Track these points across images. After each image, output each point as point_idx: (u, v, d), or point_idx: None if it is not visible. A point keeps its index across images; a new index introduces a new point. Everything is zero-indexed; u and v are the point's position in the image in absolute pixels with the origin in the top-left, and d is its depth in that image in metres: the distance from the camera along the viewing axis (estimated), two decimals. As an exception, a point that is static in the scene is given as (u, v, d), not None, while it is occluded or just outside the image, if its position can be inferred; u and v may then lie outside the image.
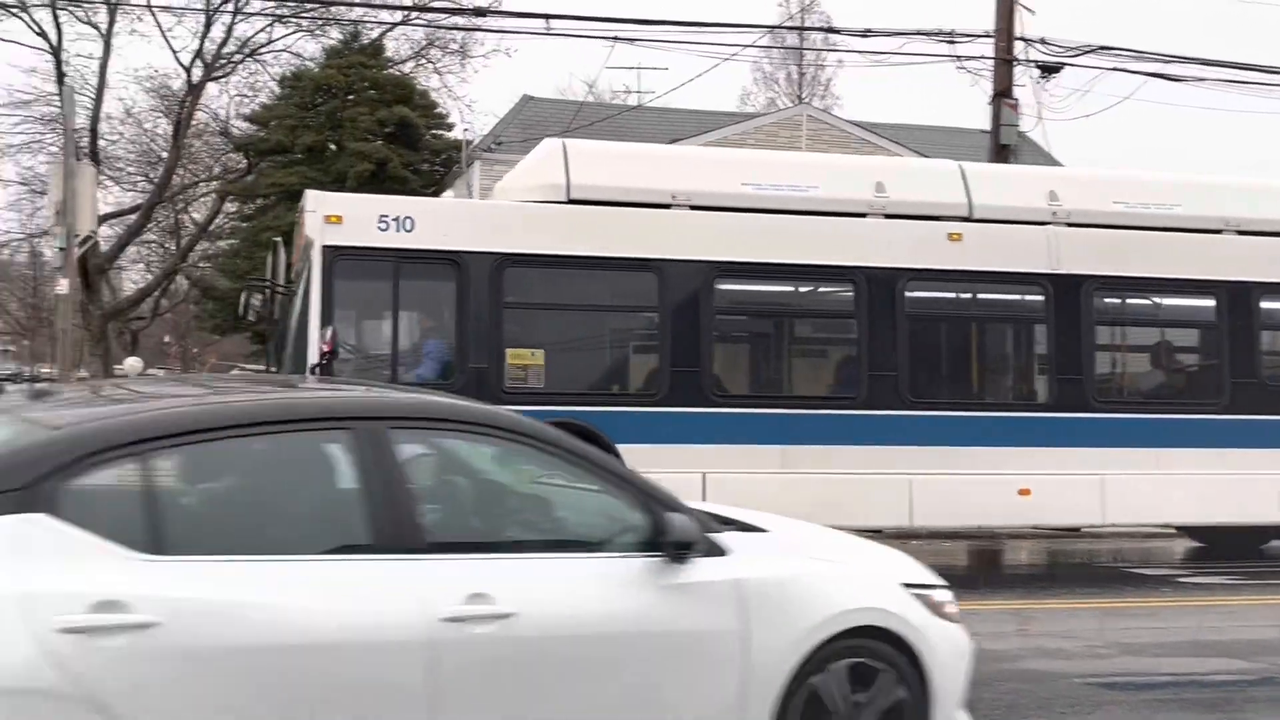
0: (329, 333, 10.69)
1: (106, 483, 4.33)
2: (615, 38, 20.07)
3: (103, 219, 34.17)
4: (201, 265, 40.31)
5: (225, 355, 49.42)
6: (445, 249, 11.16)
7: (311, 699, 4.32)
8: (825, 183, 12.31)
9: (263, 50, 34.90)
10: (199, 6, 31.98)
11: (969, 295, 12.81)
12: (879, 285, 12.05)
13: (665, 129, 28.12)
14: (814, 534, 6.27)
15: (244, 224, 34.73)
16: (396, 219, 11.07)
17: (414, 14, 34.46)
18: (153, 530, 4.28)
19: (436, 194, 27.04)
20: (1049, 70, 20.67)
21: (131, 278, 49.04)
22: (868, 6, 27.61)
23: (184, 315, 49.37)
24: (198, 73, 33.86)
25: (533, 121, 28.46)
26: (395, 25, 34.77)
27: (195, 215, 41.99)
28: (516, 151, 20.19)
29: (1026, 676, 7.33)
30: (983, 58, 20.33)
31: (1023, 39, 19.95)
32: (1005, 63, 19.84)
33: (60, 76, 32.30)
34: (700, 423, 11.55)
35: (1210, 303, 12.85)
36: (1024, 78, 23.14)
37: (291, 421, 4.79)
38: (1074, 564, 13.72)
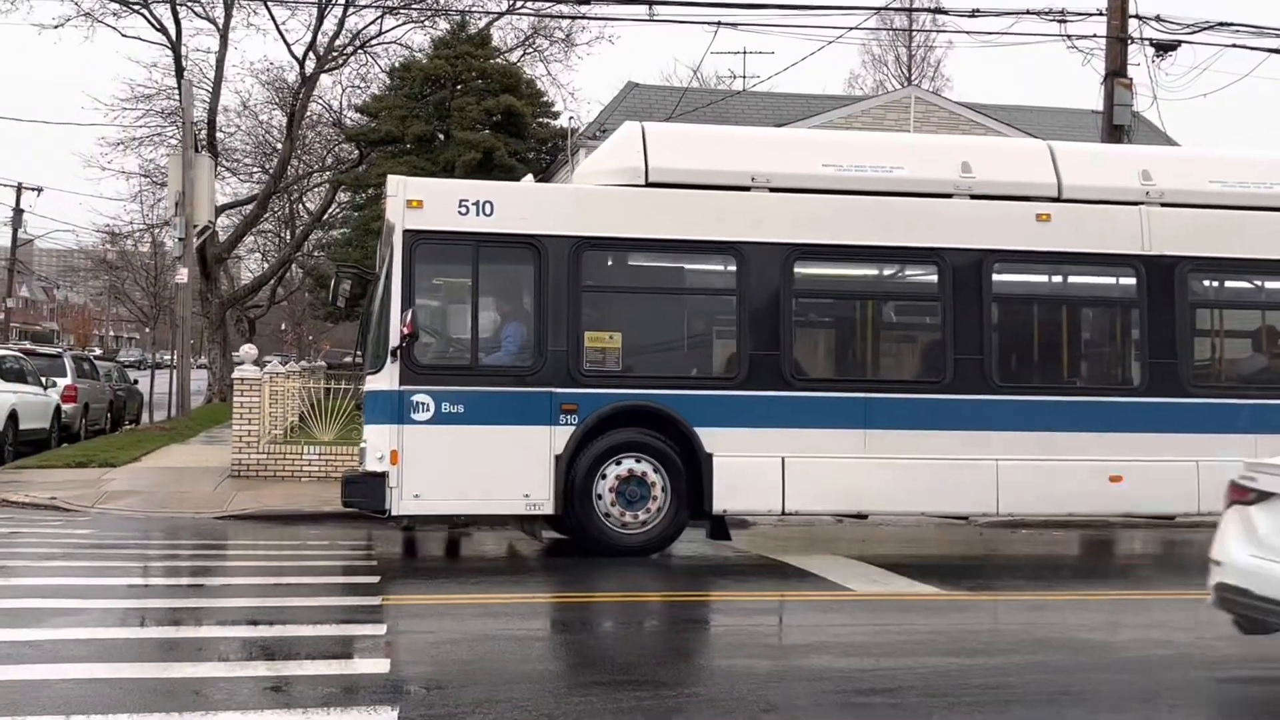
0: (409, 316, 10.87)
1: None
2: (719, 22, 20.02)
3: (220, 209, 35.32)
4: (316, 254, 41.30)
5: (339, 343, 50.52)
6: (524, 232, 11.26)
7: None
8: (909, 163, 12.12)
9: (373, 42, 35.75)
10: (312, 0, 32.74)
11: (1058, 277, 12.51)
12: (965, 267, 11.84)
13: (770, 114, 27.95)
14: None
15: (355, 213, 35.38)
16: (476, 203, 11.20)
17: (520, 3, 34.96)
18: None
19: (545, 182, 27.24)
20: (1164, 48, 20.08)
21: (249, 267, 50.53)
22: (975, -14, 26.94)
23: (299, 303, 50.65)
24: (310, 65, 34.79)
25: (638, 108, 28.50)
26: (501, 15, 35.34)
27: (309, 205, 43.08)
28: (621, 139, 20.22)
29: (1135, 667, 7.14)
30: (1095, 36, 19.84)
31: (1137, 16, 19.42)
32: (1118, 41, 19.32)
33: (179, 70, 33.38)
34: (780, 406, 11.49)
35: (1309, 284, 12.36)
36: (1138, 56, 22.48)
37: None
38: (1189, 553, 13.30)
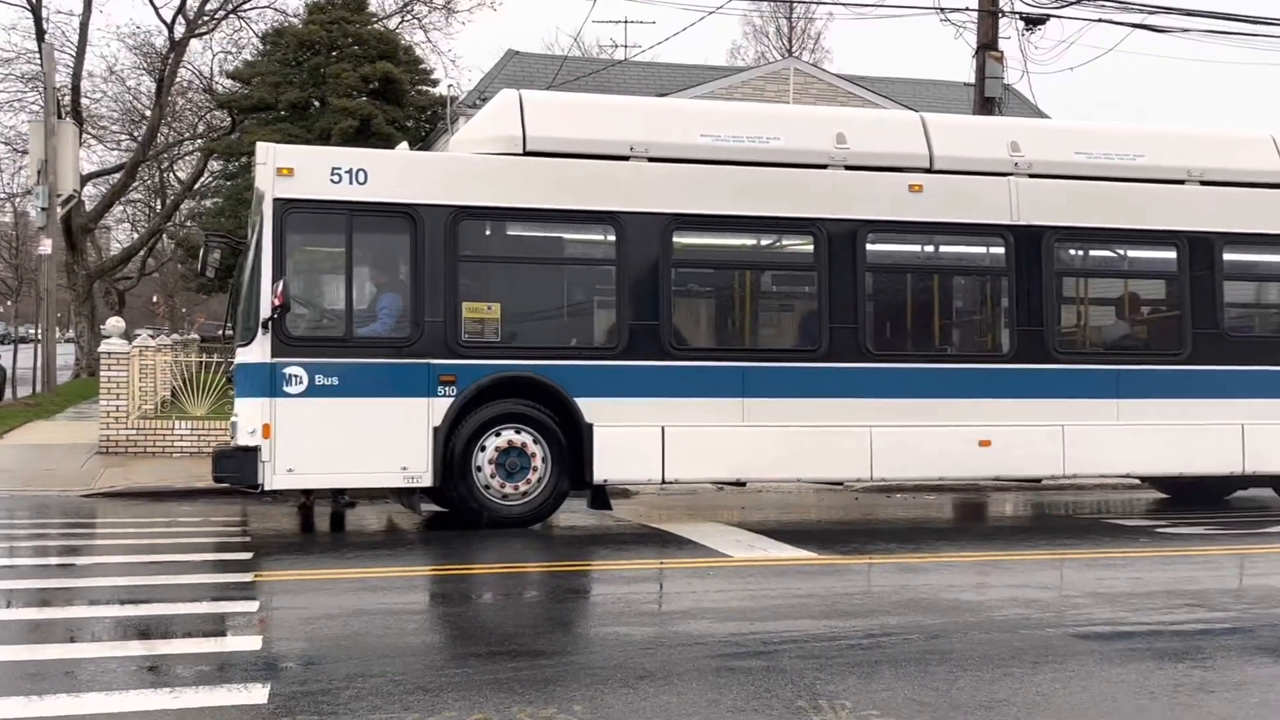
0: (280, 286, 10.67)
1: None
2: (599, -10, 19.90)
3: (86, 178, 34.13)
4: (187, 224, 40.25)
5: (213, 315, 49.37)
6: (400, 201, 11.11)
7: None
8: (786, 134, 12.22)
9: (245, 6, 34.81)
10: (180, -40, 31.78)
11: (930, 247, 12.77)
12: (840, 237, 12.01)
13: (652, 84, 27.94)
14: None
15: (228, 182, 34.58)
16: (350, 171, 11.01)
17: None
18: None
19: (425, 151, 26.89)
20: (1034, 22, 20.54)
21: (117, 237, 49.02)
22: (853, -41, 27.25)
23: (171, 275, 49.33)
24: (180, 29, 33.73)
25: (518, 77, 28.26)
26: (378, -21, 34.65)
27: (180, 174, 41.92)
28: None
29: (1001, 626, 7.33)
30: (967, 10, 20.21)
31: (1007, -9, 19.82)
32: (990, 14, 19.71)
33: (40, 34, 32.13)
34: (660, 376, 11.54)
35: (1172, 254, 12.80)
36: (1009, 30, 22.97)
37: None
38: (1056, 515, 13.74)
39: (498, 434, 11.17)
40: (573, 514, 12.20)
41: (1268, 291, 14.15)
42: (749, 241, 12.60)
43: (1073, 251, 12.94)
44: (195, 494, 13.69)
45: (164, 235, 42.52)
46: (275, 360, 10.69)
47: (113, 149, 38.56)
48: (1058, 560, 10.23)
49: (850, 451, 11.88)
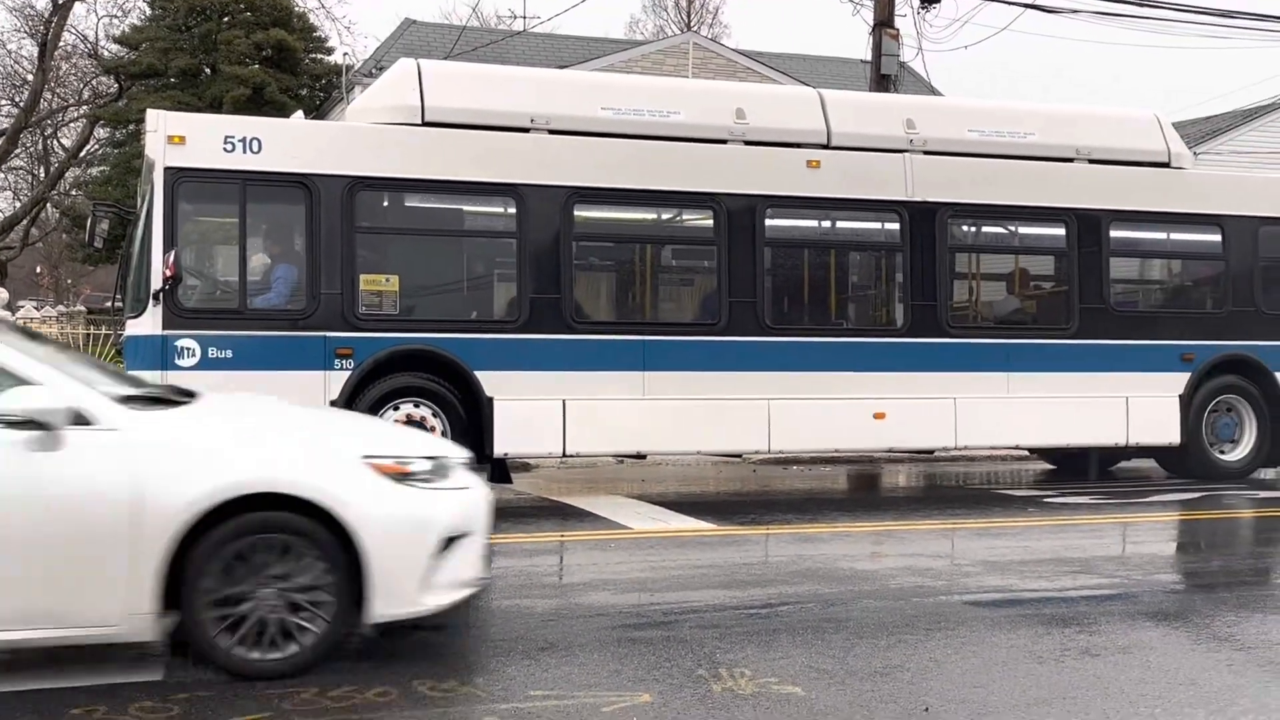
0: (171, 257, 10.43)
1: None
2: (497, -40, 19.69)
3: (-36, 144, 32.92)
4: (73, 193, 39.09)
5: (100, 286, 48.11)
6: (295, 171, 10.91)
7: None
8: (686, 108, 12.25)
9: (131, -32, 33.80)
10: (62, -80, 30.78)
11: (828, 222, 12.91)
12: (739, 212, 12.08)
13: (551, 55, 27.79)
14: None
15: (115, 150, 33.67)
16: (243, 140, 10.79)
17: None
18: None
19: (320, 120, 26.46)
20: (929, 0, 20.82)
21: (-1, 206, 47.39)
22: (752, -67, 27.44)
23: (56, 245, 47.90)
24: (63, -9, 32.61)
25: (416, 46, 27.91)
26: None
27: (65, 141, 40.65)
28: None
29: (895, 595, 7.48)
30: (864, -14, 20.38)
31: (903, -32, 20.03)
32: (885, -9, 19.89)
33: (-87, -7, 30.90)
34: (560, 349, 11.52)
35: (1061, 230, 13.11)
36: (905, 8, 23.23)
37: None
38: (949, 486, 14.04)
39: (396, 408, 11.07)
40: (472, 488, 12.14)
41: (1151, 268, 14.61)
42: (650, 215, 12.62)
43: (965, 227, 13.19)
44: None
45: (48, 204, 41.25)
46: (167, 333, 10.46)
47: (-8, 115, 37.22)
48: (950, 530, 10.47)
49: (748, 424, 11.99)
